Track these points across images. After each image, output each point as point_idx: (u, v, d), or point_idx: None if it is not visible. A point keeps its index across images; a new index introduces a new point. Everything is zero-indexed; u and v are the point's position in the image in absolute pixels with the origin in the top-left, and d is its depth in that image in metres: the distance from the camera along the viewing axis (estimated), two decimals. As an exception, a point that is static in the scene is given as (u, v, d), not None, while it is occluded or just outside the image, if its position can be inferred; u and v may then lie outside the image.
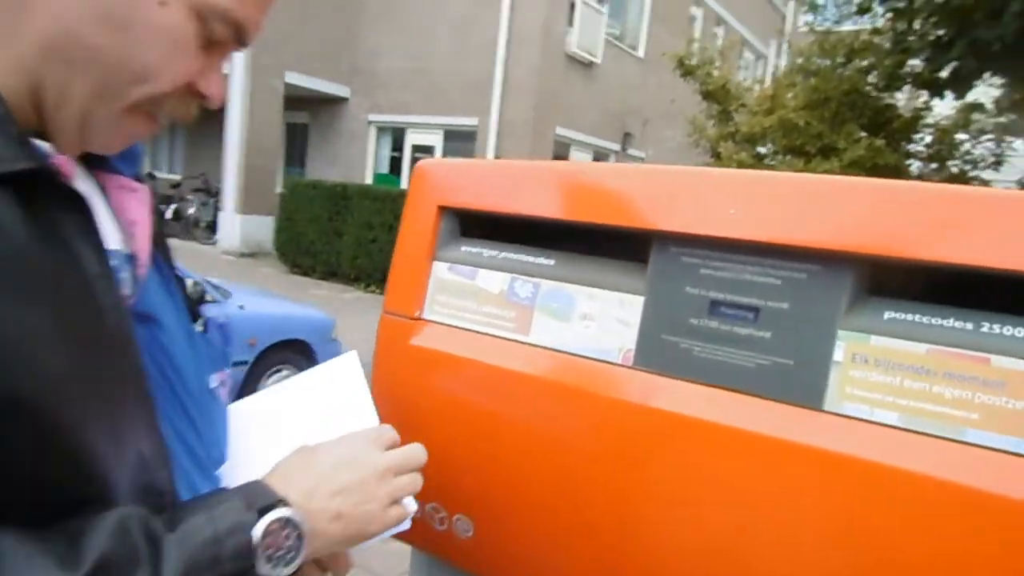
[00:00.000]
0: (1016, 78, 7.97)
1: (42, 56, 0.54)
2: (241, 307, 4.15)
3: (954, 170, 9.57)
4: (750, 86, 11.14)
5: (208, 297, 3.70)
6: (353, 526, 0.67)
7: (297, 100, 12.84)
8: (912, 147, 9.61)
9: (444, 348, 1.00)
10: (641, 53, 14.30)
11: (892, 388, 0.72)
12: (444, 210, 1.05)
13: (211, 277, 4.36)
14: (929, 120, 9.44)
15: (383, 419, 1.00)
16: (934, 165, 9.68)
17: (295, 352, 4.55)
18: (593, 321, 0.90)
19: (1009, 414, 0.67)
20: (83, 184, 0.61)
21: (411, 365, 1.04)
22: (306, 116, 13.78)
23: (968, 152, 9.71)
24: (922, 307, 0.73)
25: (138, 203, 0.65)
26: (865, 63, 8.99)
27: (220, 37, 0.60)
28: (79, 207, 0.56)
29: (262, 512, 0.59)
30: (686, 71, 10.00)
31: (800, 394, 0.76)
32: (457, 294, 1.02)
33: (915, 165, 9.70)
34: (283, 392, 0.89)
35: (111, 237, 0.63)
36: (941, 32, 7.52)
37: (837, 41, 9.13)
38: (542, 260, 0.97)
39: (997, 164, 9.63)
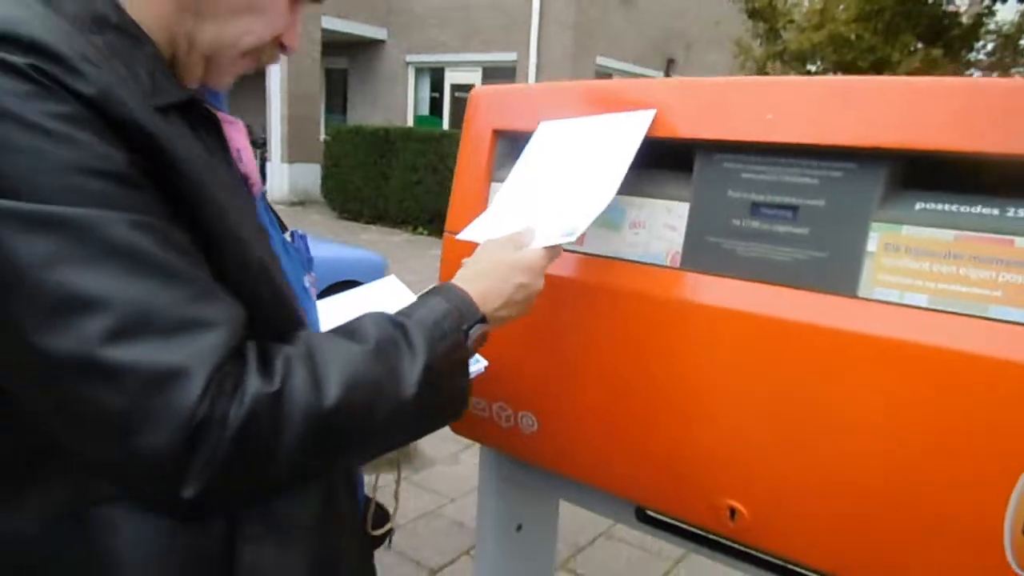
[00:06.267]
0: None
1: (177, 13, 0.65)
2: (299, 251, 4.32)
3: (1018, 79, 9.09)
4: (799, 1, 10.66)
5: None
6: (513, 308, 0.86)
7: (335, 45, 12.82)
8: (972, 56, 9.14)
9: (505, 261, 1.08)
10: (683, -27, 13.76)
11: (921, 273, 0.78)
12: (498, 133, 1.13)
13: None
14: (991, 27, 8.94)
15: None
16: (995, 74, 9.21)
17: (351, 292, 4.73)
18: (642, 228, 0.98)
19: (1031, 290, 0.72)
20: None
21: (475, 279, 1.13)
22: (344, 61, 13.75)
23: (1033, 59, 9.21)
24: (951, 197, 0.78)
25: (239, 133, 0.74)
26: (922, -33, 8.52)
27: None
28: (216, 128, 0.68)
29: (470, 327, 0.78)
30: (731, -11, 9.63)
31: (835, 283, 0.83)
32: (514, 212, 1.10)
33: (976, 75, 9.24)
34: (348, 298, 1.06)
35: None
36: (1005, -71, 7.07)
37: (891, -55, 8.64)
38: (592, 175, 1.04)
39: (1065, 70, 9.14)
